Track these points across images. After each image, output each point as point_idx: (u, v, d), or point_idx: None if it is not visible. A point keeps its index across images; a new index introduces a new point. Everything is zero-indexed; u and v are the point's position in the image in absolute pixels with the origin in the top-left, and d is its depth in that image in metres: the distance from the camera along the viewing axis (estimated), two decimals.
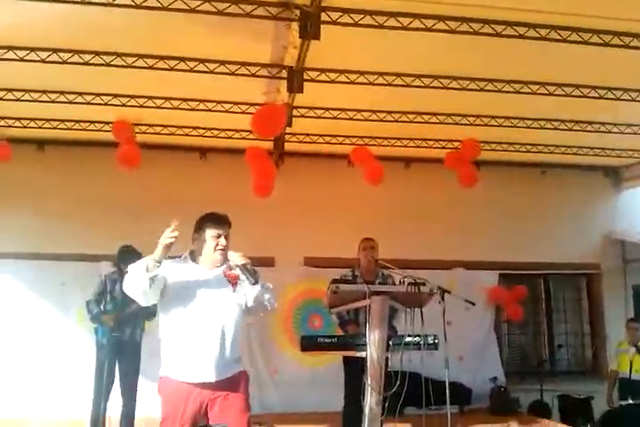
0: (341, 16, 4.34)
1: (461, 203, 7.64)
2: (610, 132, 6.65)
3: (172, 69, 5.16)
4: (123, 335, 5.40)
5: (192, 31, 4.67)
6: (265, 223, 7.13)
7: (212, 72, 5.19)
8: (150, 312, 5.49)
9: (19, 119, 6.49)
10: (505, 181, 7.81)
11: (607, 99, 5.68)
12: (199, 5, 4.20)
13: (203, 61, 5.13)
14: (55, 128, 6.65)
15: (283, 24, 4.53)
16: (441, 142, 7.17)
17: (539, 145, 7.33)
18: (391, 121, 6.29)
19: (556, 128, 6.51)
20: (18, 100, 5.78)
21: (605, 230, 8.30)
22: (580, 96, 5.63)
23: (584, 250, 8.11)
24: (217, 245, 3.14)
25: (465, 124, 6.42)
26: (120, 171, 6.30)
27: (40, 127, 6.62)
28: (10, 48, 4.86)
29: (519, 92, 5.54)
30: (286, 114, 5.22)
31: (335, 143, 7.05)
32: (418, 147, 7.22)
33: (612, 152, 7.54)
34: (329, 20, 4.33)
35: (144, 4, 4.14)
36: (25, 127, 6.58)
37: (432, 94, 5.65)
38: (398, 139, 7.07)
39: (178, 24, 4.53)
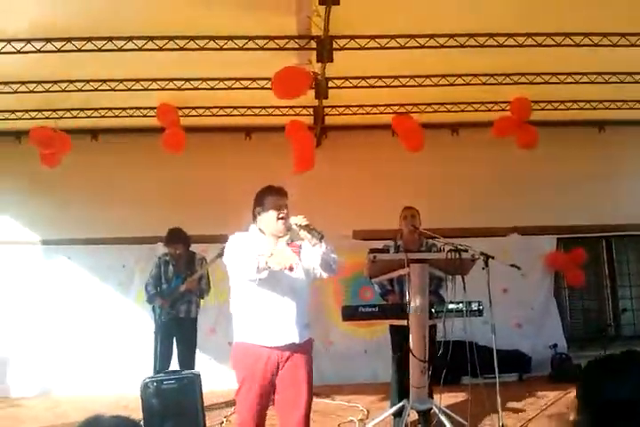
0: None
1: (513, 166, 7.40)
2: None
3: (202, 49, 5.20)
4: (179, 313, 5.59)
5: (215, 10, 4.69)
6: (311, 199, 7.06)
7: (241, 48, 5.20)
8: (203, 290, 5.69)
9: (69, 110, 6.72)
10: (559, 141, 7.40)
11: None
12: None
13: (231, 38, 5.13)
14: (103, 116, 6.88)
15: None
16: (487, 105, 6.92)
17: (592, 101, 6.92)
18: (430, 85, 6.09)
19: (606, 81, 6.12)
20: (63, 90, 6.01)
21: None
22: (628, 45, 5.27)
23: None
24: (279, 213, 3.25)
25: (509, 84, 6.14)
26: (169, 155, 6.48)
27: (89, 117, 6.86)
28: (48, 40, 5.04)
29: (560, 45, 5.23)
30: (309, 76, 5.14)
31: (376, 113, 6.91)
32: (463, 111, 6.99)
33: None
34: None
35: None
36: (75, 117, 6.82)
37: (469, 54, 5.41)
38: (442, 104, 6.87)
39: (200, 4, 4.57)
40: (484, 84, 6.14)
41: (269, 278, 3.09)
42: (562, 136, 7.49)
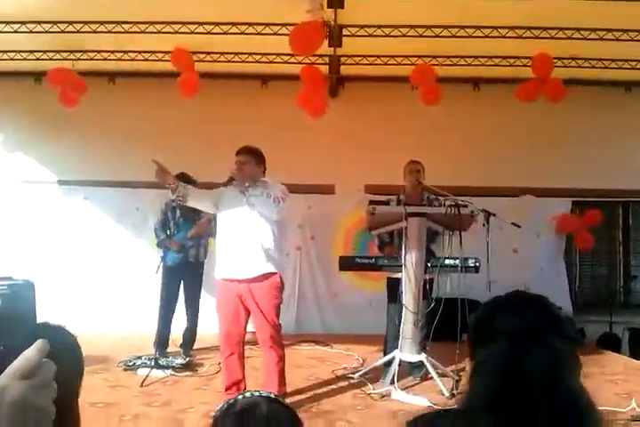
0: None
1: (534, 126, 7.20)
2: None
3: None
4: (187, 256, 5.65)
5: None
6: (326, 151, 7.09)
7: None
8: (213, 232, 5.72)
9: (85, 52, 6.71)
10: (582, 101, 7.10)
11: None
12: None
13: None
14: (120, 59, 6.84)
15: None
16: (509, 60, 6.68)
17: (619, 60, 6.63)
18: (448, 36, 5.90)
19: (632, 39, 5.84)
20: (78, 31, 5.99)
21: None
22: None
23: None
24: (234, 169, 3.94)
25: (532, 38, 5.91)
26: (185, 100, 6.46)
27: (105, 59, 6.84)
28: None
29: None
30: (323, 31, 5.04)
31: (394, 64, 6.73)
32: (483, 65, 6.76)
33: None
34: None
35: None
36: (92, 59, 6.82)
37: (491, 5, 5.24)
38: (461, 57, 6.66)
39: None
40: (504, 37, 5.92)
41: (226, 220, 3.94)
42: (585, 96, 7.17)
